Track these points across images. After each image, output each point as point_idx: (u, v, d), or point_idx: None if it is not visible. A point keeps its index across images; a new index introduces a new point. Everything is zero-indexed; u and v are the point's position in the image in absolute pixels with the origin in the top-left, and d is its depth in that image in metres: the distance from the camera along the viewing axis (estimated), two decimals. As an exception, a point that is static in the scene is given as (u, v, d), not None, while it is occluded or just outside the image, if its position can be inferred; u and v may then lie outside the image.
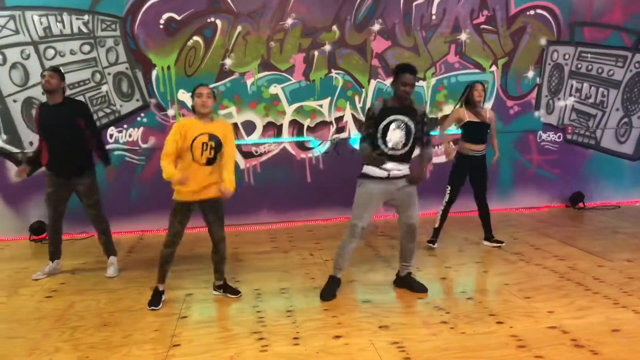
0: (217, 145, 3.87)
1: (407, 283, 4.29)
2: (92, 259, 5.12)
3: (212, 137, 3.85)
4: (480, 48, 7.01)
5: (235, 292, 4.24)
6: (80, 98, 6.15)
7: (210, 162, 3.87)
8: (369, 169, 4.00)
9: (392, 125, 3.86)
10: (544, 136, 7.39)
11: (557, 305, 3.90)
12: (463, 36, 6.94)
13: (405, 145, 3.93)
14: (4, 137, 6.15)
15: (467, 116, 5.23)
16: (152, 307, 3.98)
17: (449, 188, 5.37)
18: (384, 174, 3.95)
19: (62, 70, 4.69)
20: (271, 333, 3.53)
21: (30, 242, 6.18)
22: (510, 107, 7.20)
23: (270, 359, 3.20)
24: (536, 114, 7.31)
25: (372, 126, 3.93)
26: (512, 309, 3.84)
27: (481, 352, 3.22)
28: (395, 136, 3.88)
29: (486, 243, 5.53)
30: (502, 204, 7.25)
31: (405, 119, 3.90)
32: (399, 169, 3.96)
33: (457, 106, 5.40)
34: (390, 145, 3.89)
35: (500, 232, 5.59)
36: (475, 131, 5.25)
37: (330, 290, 4.17)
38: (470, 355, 3.18)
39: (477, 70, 7.04)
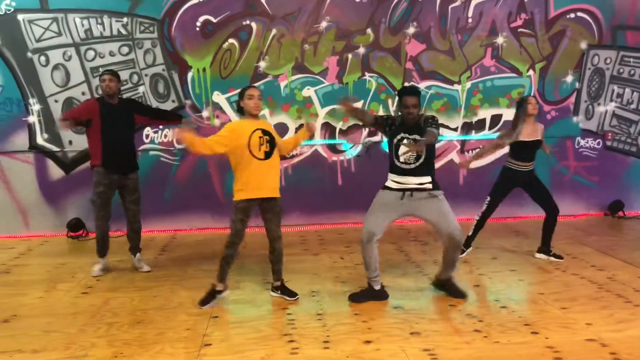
0: (271, 140, 4.02)
1: (446, 287, 4.26)
2: (127, 257, 5.21)
3: (265, 132, 4.00)
4: (517, 52, 6.87)
5: (292, 294, 4.21)
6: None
7: (267, 155, 3.97)
8: (388, 182, 4.10)
9: (404, 141, 3.99)
10: (582, 142, 7.19)
11: (595, 317, 3.78)
12: (500, 39, 6.82)
13: (417, 159, 3.97)
14: (45, 136, 6.34)
15: (522, 134, 4.96)
16: (200, 306, 4.03)
17: (488, 199, 5.20)
18: (399, 186, 4.02)
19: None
20: (301, 336, 3.53)
21: (68, 238, 6.35)
22: (547, 112, 7.03)
23: (301, 362, 3.20)
24: (574, 119, 7.13)
25: (381, 120, 4.13)
26: (548, 320, 3.74)
27: (516, 362, 3.14)
28: (406, 152, 4.00)
29: (540, 255, 5.28)
30: (538, 211, 7.05)
31: (416, 136, 3.97)
32: (414, 182, 3.99)
33: (518, 124, 5.01)
34: (401, 159, 4.01)
35: (537, 239, 5.44)
36: (526, 149, 5.03)
37: (360, 295, 4.17)
38: (504, 365, 3.12)
39: (513, 75, 6.91)
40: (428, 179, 4.00)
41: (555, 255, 5.22)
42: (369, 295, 4.17)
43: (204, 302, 4.06)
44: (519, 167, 5.09)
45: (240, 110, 4.09)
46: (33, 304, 4.22)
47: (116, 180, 4.79)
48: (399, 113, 4.10)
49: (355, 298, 4.15)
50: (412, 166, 3.99)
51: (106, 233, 4.92)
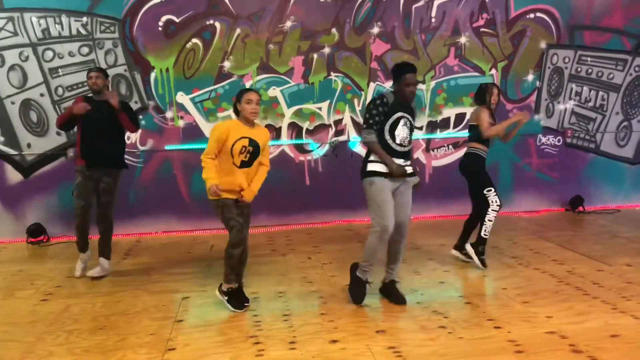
0: (255, 151, 3.90)
1: (388, 292, 4.11)
2: (90, 262, 5.08)
3: (252, 142, 3.87)
4: (479, 51, 6.99)
5: (242, 303, 4.03)
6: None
7: (243, 164, 3.87)
8: (376, 166, 3.89)
9: (401, 122, 3.86)
10: (543, 140, 7.36)
11: (555, 310, 3.87)
12: (463, 39, 6.93)
13: (409, 142, 3.95)
14: (1, 139, 6.14)
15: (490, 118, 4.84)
16: (236, 310, 3.93)
17: (493, 191, 4.90)
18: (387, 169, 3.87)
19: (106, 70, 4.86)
20: (267, 337, 3.50)
21: (28, 244, 6.16)
22: (509, 111, 7.16)
23: (266, 364, 3.18)
24: (536, 117, 7.29)
25: (382, 115, 3.84)
26: (510, 314, 3.81)
27: (479, 357, 3.18)
28: (402, 133, 3.88)
29: (455, 252, 5.14)
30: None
31: (409, 117, 3.94)
32: (405, 165, 3.93)
33: (482, 106, 4.88)
34: (397, 141, 3.87)
35: (500, 235, 5.55)
36: None
37: (359, 292, 4.02)
38: (467, 360, 3.16)
39: (476, 74, 7.02)
40: (410, 161, 4.00)
41: (466, 254, 5.01)
42: (362, 286, 4.02)
43: (238, 306, 3.96)
44: (485, 153, 4.95)
45: (237, 112, 3.93)
46: (-11, 313, 4.08)
47: (92, 176, 4.69)
48: (390, 92, 3.92)
49: (359, 298, 4.01)
50: (406, 149, 3.92)
51: (83, 224, 4.77)
